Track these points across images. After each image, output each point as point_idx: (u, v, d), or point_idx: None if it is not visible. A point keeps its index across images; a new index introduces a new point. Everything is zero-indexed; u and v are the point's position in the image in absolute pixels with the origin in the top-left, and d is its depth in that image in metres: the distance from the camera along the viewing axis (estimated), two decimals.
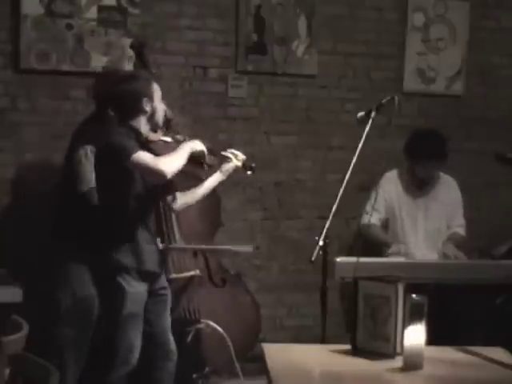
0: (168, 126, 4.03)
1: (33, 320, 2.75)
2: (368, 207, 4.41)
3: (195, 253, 4.09)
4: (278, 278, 5.00)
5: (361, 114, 3.54)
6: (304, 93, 4.99)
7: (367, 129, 3.41)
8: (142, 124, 3.47)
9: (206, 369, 4.00)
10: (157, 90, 3.50)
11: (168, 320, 3.62)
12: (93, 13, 4.47)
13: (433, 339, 2.70)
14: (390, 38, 5.12)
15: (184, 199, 3.77)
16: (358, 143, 3.37)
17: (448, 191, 4.48)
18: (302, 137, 5.01)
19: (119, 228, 3.41)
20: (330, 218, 3.27)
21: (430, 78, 5.20)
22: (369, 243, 4.38)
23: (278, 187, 4.98)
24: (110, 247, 3.39)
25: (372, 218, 4.35)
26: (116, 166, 3.31)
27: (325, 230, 3.23)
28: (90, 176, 3.68)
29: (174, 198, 3.73)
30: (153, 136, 3.58)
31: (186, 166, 3.43)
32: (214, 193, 4.28)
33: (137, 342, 3.44)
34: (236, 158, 3.75)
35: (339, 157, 4.80)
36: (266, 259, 4.93)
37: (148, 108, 3.45)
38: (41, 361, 2.46)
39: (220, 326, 3.94)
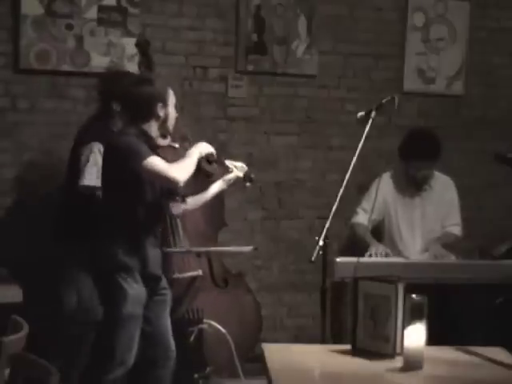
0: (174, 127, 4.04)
1: (33, 320, 2.75)
2: (359, 208, 4.43)
3: (198, 253, 4.09)
4: (278, 278, 5.00)
5: (361, 113, 3.54)
6: (304, 93, 4.99)
7: (367, 129, 3.41)
8: (153, 129, 3.45)
9: (208, 369, 4.01)
10: (171, 97, 3.49)
11: (168, 319, 3.62)
12: (93, 13, 4.47)
13: (433, 339, 2.70)
14: (389, 38, 5.12)
15: (186, 205, 3.78)
16: (358, 143, 3.38)
17: (444, 191, 4.46)
18: (302, 137, 5.01)
19: (127, 230, 3.40)
20: (330, 218, 3.27)
21: (430, 78, 5.20)
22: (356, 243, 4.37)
23: (278, 187, 4.98)
24: (115, 248, 3.37)
25: (360, 217, 4.37)
26: (127, 168, 3.30)
27: (325, 230, 3.23)
28: (94, 173, 3.69)
29: (183, 201, 3.72)
30: (161, 141, 3.56)
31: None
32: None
33: (135, 343, 3.44)
34: (239, 169, 3.75)
35: (339, 157, 4.80)
36: (266, 259, 4.93)
37: (161, 113, 3.43)
38: (41, 361, 2.46)
39: (222, 326, 3.94)
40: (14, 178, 4.44)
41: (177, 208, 3.76)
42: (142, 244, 3.42)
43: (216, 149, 3.78)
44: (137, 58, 4.28)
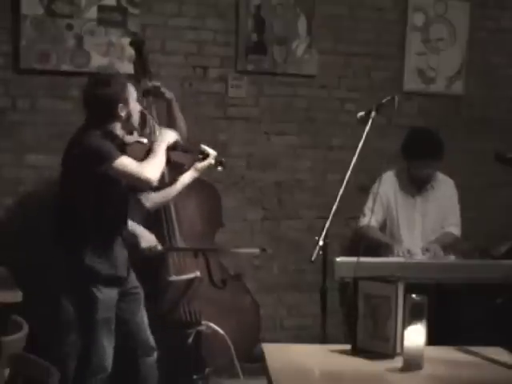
0: (169, 107, 4.01)
1: (33, 320, 2.75)
2: (366, 209, 4.42)
3: (196, 254, 4.08)
4: (278, 277, 5.00)
5: (361, 113, 3.54)
6: (304, 93, 4.99)
7: (367, 129, 3.41)
8: (118, 128, 3.40)
9: (207, 369, 4.00)
10: (132, 93, 3.42)
11: (144, 317, 3.60)
12: (93, 13, 4.47)
13: (433, 339, 2.70)
14: (389, 38, 5.12)
15: (157, 198, 3.74)
16: (358, 143, 3.38)
17: (444, 191, 4.47)
18: (302, 137, 5.01)
19: (95, 234, 3.34)
20: (330, 218, 3.27)
21: (429, 78, 5.20)
22: (369, 245, 4.37)
23: (278, 187, 4.98)
24: (84, 253, 3.33)
25: (368, 219, 4.36)
26: (95, 171, 3.23)
27: (325, 230, 3.23)
28: None
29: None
30: (128, 138, 3.47)
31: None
32: (214, 193, 4.29)
33: (110, 345, 3.41)
34: (209, 156, 3.69)
35: (339, 157, 4.80)
36: (266, 259, 4.93)
37: (123, 113, 3.37)
38: (41, 361, 2.46)
39: (220, 327, 3.94)
40: (14, 178, 4.43)
41: (148, 201, 3.73)
42: (111, 246, 3.37)
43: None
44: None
